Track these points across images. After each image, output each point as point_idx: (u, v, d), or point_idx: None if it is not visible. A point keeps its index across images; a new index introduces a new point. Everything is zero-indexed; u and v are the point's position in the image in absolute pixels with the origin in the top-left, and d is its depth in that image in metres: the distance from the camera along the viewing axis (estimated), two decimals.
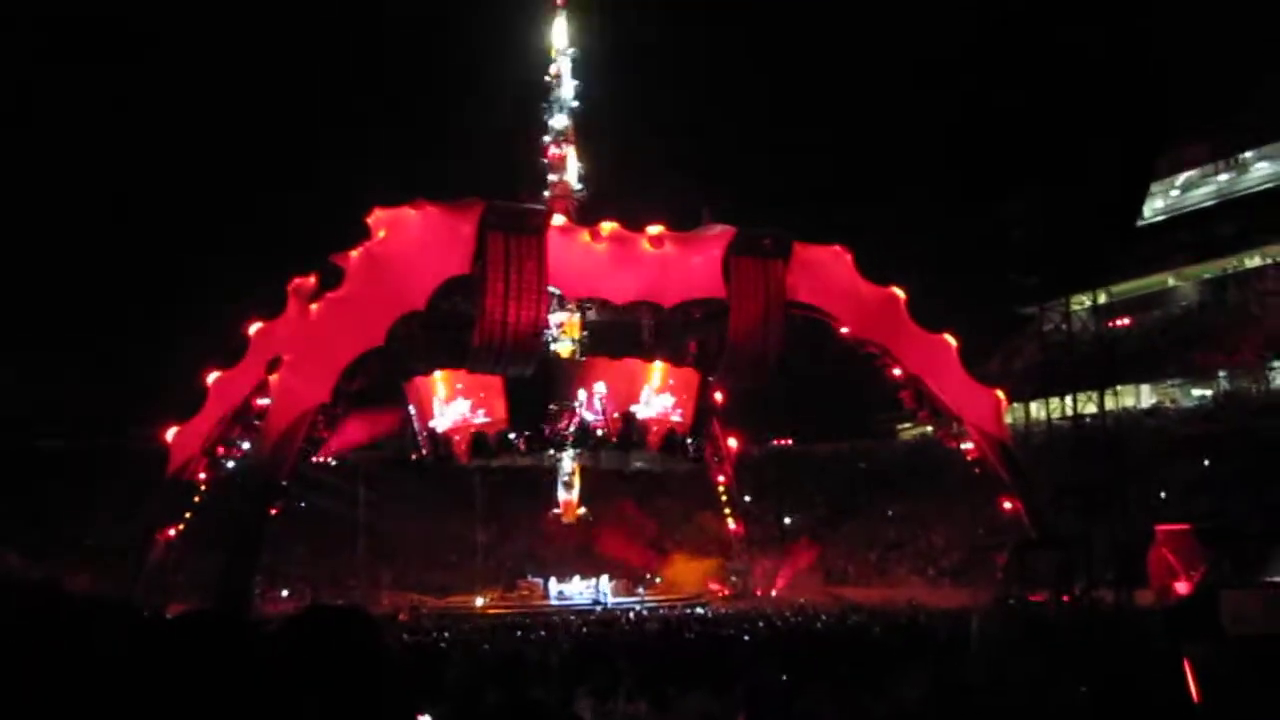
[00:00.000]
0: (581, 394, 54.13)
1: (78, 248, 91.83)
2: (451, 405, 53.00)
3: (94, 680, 2.43)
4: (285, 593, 57.56)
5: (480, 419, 53.38)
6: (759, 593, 60.99)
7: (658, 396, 54.77)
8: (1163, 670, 17.35)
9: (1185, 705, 16.64)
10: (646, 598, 57.03)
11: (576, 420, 54.67)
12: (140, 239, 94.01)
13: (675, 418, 55.12)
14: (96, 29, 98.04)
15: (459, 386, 52.59)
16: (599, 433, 54.66)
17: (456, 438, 53.23)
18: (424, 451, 54.88)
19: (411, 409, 54.96)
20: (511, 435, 54.25)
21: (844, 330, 49.89)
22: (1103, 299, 26.03)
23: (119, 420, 70.68)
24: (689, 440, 56.40)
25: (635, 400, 54.42)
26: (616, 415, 54.25)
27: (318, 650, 2.64)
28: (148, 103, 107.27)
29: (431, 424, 53.39)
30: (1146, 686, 17.98)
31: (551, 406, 54.26)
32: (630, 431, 54.38)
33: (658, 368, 54.73)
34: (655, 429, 54.80)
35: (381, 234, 44.88)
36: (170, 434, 48.27)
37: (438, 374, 52.37)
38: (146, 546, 46.68)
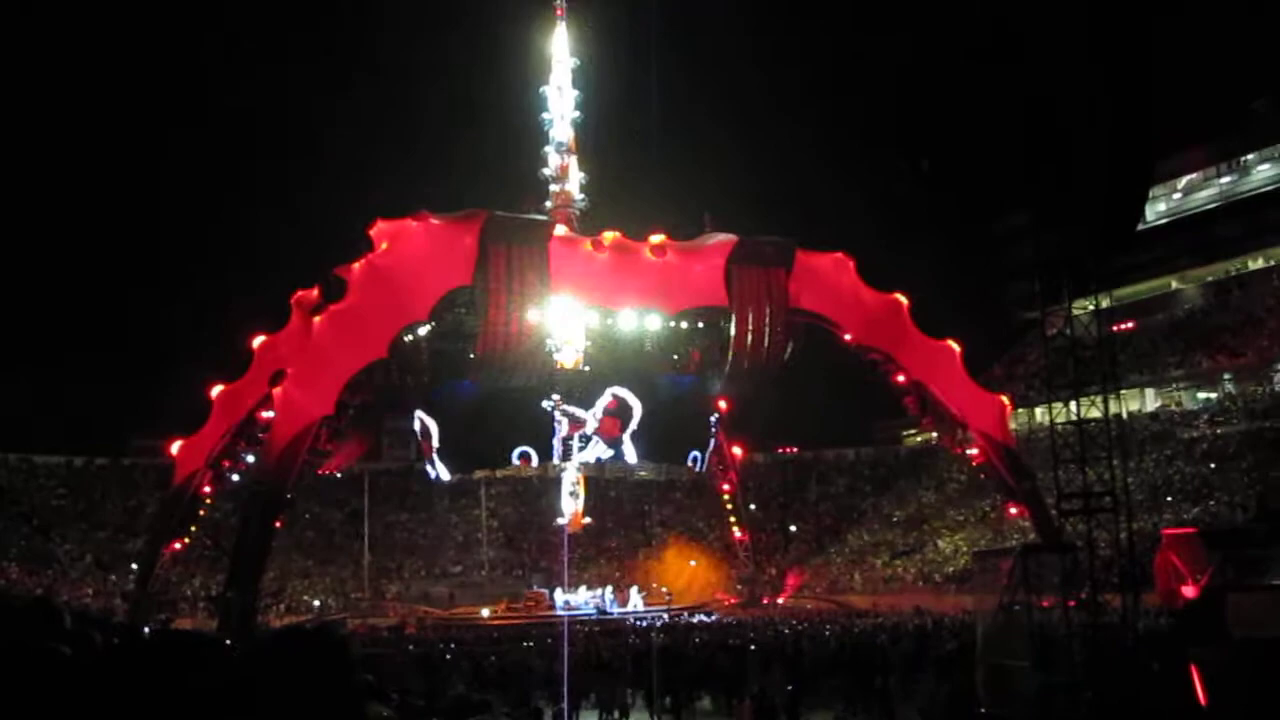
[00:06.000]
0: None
1: (78, 261, 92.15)
2: None
3: (81, 696, 2.44)
4: (288, 607, 57.59)
5: None
6: (765, 600, 60.96)
7: None
8: (1170, 674, 17.32)
9: (1193, 708, 16.62)
10: (652, 606, 56.96)
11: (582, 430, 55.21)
12: (142, 253, 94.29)
13: None
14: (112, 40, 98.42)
15: None
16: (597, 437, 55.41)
17: None
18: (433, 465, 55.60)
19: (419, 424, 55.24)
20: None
21: (847, 337, 49.85)
22: (1106, 303, 25.88)
23: (120, 434, 70.82)
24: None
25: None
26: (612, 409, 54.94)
27: (288, 673, 2.63)
28: (147, 113, 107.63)
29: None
30: (1153, 691, 17.95)
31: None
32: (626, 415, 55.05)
33: None
34: None
35: (384, 246, 44.91)
36: (175, 447, 48.24)
37: None
38: (151, 560, 46.69)
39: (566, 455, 56.31)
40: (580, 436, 55.76)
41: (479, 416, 54.24)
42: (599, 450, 56.45)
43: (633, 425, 55.48)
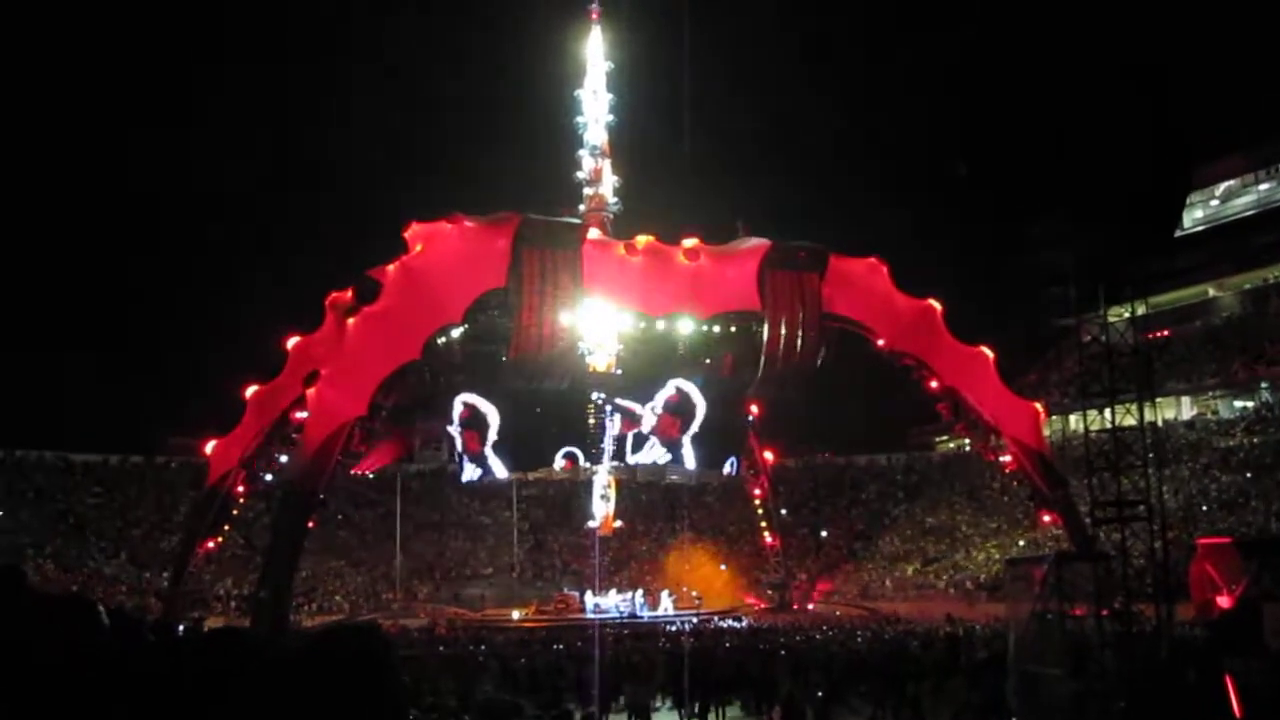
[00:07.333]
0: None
1: (114, 261, 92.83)
2: None
3: (120, 694, 2.46)
4: (321, 607, 57.89)
5: None
6: (795, 606, 60.79)
7: None
8: (1205, 685, 17.17)
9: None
10: (683, 610, 56.88)
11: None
12: (178, 252, 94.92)
13: None
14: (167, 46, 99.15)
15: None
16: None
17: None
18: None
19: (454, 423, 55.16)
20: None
21: (880, 342, 49.60)
22: (1142, 310, 25.72)
23: (155, 433, 71.35)
24: None
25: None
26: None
27: (336, 670, 2.66)
28: (181, 113, 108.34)
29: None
30: (1188, 702, 17.80)
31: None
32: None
33: None
34: None
35: (418, 248, 45.07)
36: (209, 447, 48.54)
37: None
38: (185, 558, 47.01)
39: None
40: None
41: (525, 413, 53.62)
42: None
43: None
